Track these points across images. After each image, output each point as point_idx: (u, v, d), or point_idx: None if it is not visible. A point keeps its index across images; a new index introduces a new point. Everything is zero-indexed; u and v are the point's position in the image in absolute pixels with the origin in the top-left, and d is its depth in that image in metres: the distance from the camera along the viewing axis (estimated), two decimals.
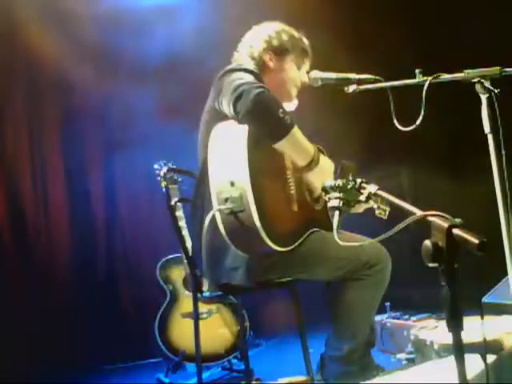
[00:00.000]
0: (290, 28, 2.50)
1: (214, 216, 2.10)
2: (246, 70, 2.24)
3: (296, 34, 2.50)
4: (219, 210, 2.09)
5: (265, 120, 2.09)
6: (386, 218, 2.42)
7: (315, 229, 2.30)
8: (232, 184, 2.06)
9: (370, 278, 2.23)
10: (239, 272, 2.23)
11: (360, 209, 2.48)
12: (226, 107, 2.16)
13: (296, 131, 2.14)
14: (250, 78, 2.18)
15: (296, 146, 2.18)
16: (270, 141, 2.13)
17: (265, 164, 2.15)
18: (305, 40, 2.52)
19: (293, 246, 2.17)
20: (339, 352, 2.26)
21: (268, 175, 2.16)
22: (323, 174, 2.24)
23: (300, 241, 2.21)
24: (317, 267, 2.28)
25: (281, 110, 2.08)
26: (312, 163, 2.21)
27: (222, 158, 2.14)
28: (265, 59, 2.43)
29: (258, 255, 2.18)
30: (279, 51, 2.43)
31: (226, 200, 2.07)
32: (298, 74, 2.48)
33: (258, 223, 2.03)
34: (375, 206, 2.43)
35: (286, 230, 2.17)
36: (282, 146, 2.14)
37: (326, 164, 2.28)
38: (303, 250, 2.22)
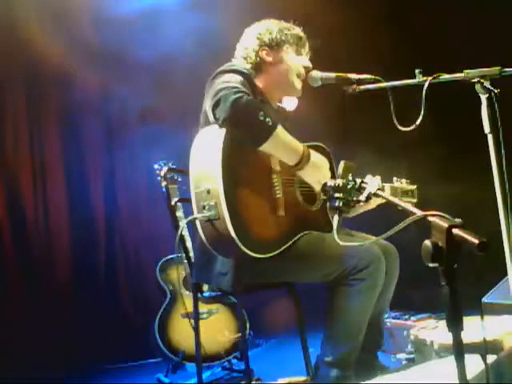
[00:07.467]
0: (279, 21, 2.48)
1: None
2: (235, 71, 2.21)
3: (285, 24, 2.48)
4: (196, 218, 2.09)
5: (245, 125, 2.05)
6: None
7: (306, 232, 2.25)
8: (208, 192, 2.05)
9: (360, 284, 2.16)
10: (227, 278, 2.21)
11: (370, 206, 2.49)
12: (208, 112, 2.14)
13: (280, 132, 2.09)
14: (236, 80, 2.14)
15: (281, 147, 2.12)
16: (254, 145, 2.08)
17: (244, 170, 2.11)
18: (296, 27, 2.49)
19: (276, 252, 2.13)
20: (331, 357, 2.22)
21: (247, 181, 2.12)
22: (317, 171, 2.19)
23: (287, 245, 2.17)
24: (305, 272, 2.25)
25: (261, 113, 2.03)
26: (302, 162, 2.15)
27: (199, 165, 2.13)
28: (261, 56, 2.41)
29: (245, 260, 2.13)
30: (273, 44, 2.42)
31: (204, 208, 2.07)
32: (299, 60, 2.44)
33: (232, 232, 2.01)
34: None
35: (267, 236, 2.13)
36: (266, 148, 2.09)
37: (319, 160, 2.22)
38: (291, 255, 2.18)
